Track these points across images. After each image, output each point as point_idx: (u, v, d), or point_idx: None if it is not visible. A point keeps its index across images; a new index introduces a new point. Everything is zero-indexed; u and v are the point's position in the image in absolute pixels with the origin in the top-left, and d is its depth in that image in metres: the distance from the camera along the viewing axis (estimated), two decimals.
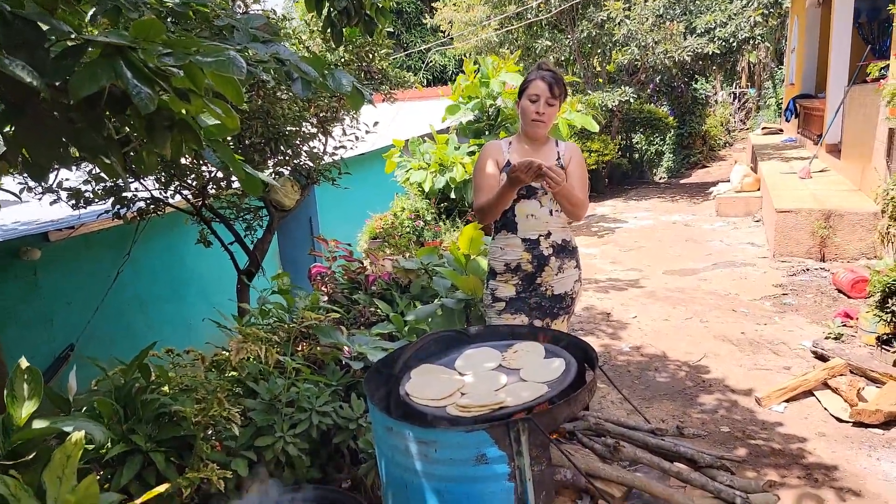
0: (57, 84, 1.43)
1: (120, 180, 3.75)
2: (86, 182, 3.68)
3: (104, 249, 5.04)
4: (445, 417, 1.65)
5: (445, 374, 1.93)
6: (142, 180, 3.91)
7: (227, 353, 2.67)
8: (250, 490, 2.13)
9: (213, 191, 4.25)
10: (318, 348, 2.78)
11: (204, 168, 4.01)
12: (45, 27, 1.40)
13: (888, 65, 5.10)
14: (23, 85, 1.25)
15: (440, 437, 1.56)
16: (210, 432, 2.27)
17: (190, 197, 4.20)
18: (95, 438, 1.76)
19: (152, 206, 4.12)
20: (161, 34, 1.43)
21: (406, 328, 3.16)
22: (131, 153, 2.05)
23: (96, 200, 3.78)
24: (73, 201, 3.67)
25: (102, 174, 3.69)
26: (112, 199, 3.80)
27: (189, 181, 4.04)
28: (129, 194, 3.90)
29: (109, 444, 2.00)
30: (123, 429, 2.13)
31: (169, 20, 2.40)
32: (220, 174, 4.07)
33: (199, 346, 2.70)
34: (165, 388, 2.39)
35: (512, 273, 2.49)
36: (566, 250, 2.53)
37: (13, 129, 1.46)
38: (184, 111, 1.66)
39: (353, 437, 2.50)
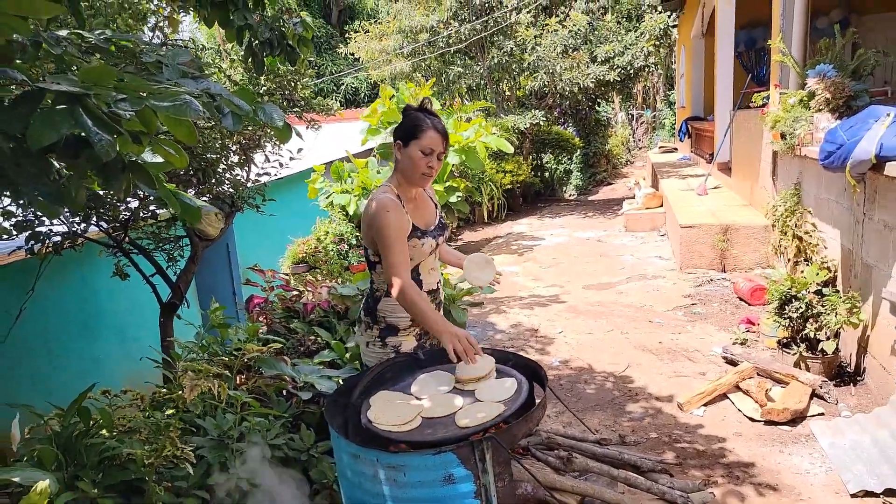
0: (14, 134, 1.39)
1: (30, 213, 3.53)
2: None
3: (5, 285, 4.67)
4: (413, 441, 1.70)
5: (402, 399, 1.97)
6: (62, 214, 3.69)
7: (164, 391, 2.59)
8: None
9: (132, 222, 4.07)
10: (261, 380, 2.74)
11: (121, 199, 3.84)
12: None
13: (769, 94, 5.69)
14: None
15: (409, 461, 1.61)
16: (158, 473, 2.19)
17: (109, 230, 4.00)
18: (48, 488, 1.67)
19: (68, 241, 3.89)
20: (112, 79, 1.43)
21: (347, 355, 3.17)
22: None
23: (4, 237, 3.52)
24: None
25: (9, 208, 3.45)
26: (27, 234, 3.56)
27: (107, 213, 3.85)
28: (44, 229, 3.67)
29: None
30: (66, 476, 2.03)
31: (95, 56, 2.33)
32: (136, 204, 3.91)
33: (110, 384, 2.59)
34: (104, 432, 2.28)
35: (416, 325, 2.33)
36: None
37: None
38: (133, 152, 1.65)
39: (303, 468, 2.48)
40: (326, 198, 7.79)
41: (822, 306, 3.65)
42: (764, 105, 5.68)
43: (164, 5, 4.10)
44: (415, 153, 2.18)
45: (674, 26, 10.72)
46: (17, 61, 1.43)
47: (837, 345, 3.67)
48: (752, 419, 3.42)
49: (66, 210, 3.20)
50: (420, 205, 2.35)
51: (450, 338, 1.97)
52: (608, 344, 4.77)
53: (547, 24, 10.61)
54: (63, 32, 1.90)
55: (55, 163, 1.69)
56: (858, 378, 3.71)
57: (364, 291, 3.50)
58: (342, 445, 1.76)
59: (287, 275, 3.72)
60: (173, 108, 1.46)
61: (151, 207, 3.93)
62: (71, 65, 1.84)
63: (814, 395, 3.52)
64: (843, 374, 3.79)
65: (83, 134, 1.35)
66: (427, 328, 2.09)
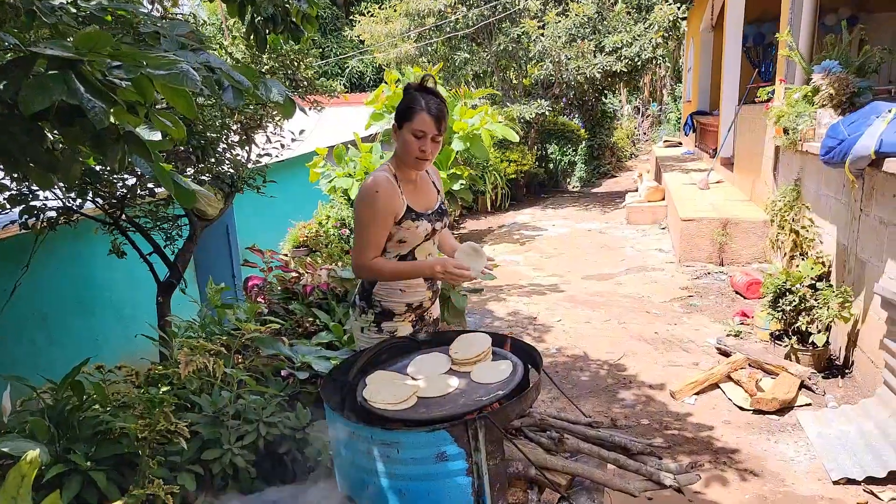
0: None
1: (24, 187, 3.54)
2: None
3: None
4: (407, 419, 1.73)
5: (399, 379, 2.00)
6: (55, 186, 3.70)
7: (160, 368, 2.62)
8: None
9: (129, 199, 4.08)
10: (259, 360, 2.77)
11: (118, 175, 3.85)
12: None
13: (774, 89, 5.68)
14: None
15: (403, 439, 1.64)
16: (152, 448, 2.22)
17: (106, 206, 4.01)
18: (39, 458, 1.70)
19: (63, 216, 3.90)
20: (108, 45, 1.42)
21: (345, 336, 3.20)
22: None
23: None
24: None
25: (2, 182, 3.45)
26: (21, 208, 3.57)
27: (103, 189, 3.86)
28: (38, 203, 3.67)
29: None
30: (58, 449, 2.06)
31: (92, 26, 2.32)
32: (133, 181, 3.91)
33: (108, 361, 2.61)
34: (98, 406, 2.31)
35: (411, 311, 2.35)
36: None
37: None
38: (130, 124, 1.65)
39: (298, 446, 2.51)
40: (329, 182, 7.79)
41: (815, 300, 3.67)
42: (769, 100, 5.67)
43: None
44: (407, 136, 2.13)
45: (683, 18, 10.64)
46: (13, 29, 1.43)
47: (828, 338, 3.70)
48: (741, 408, 3.47)
49: (61, 184, 3.21)
50: (420, 187, 2.30)
51: (439, 270, 2.12)
52: (605, 333, 4.80)
53: (547, 17, 10.53)
54: (57, 2, 1.90)
55: (49, 134, 1.69)
56: (847, 371, 3.75)
57: None
58: (337, 422, 1.79)
59: (286, 255, 3.75)
60: (170, 76, 1.44)
61: (149, 185, 3.93)
62: (66, 35, 1.84)
63: (802, 386, 3.56)
64: (832, 367, 3.83)
65: (77, 103, 1.34)
66: (413, 277, 2.23)
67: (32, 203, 3.63)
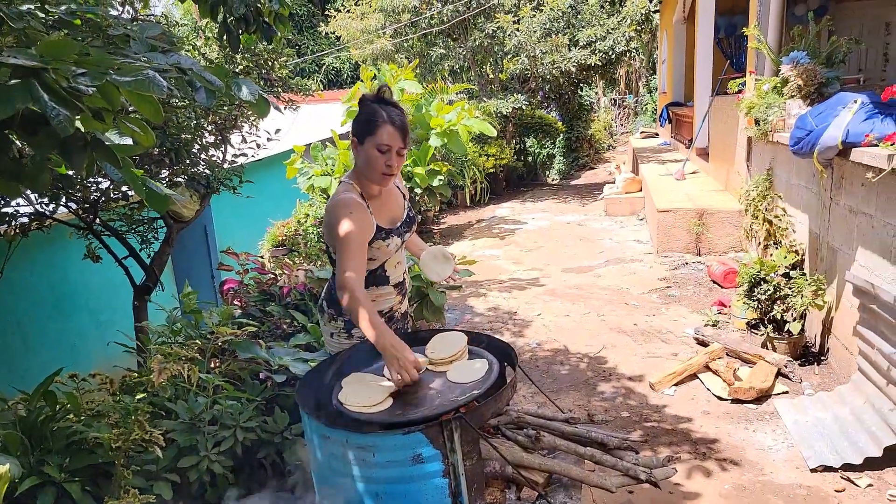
0: None
1: None
2: None
3: None
4: (382, 422, 1.72)
5: (375, 380, 1.99)
6: (24, 193, 3.63)
7: (135, 375, 2.59)
8: None
9: (103, 203, 4.02)
10: (235, 363, 2.75)
11: (91, 179, 3.79)
12: None
13: (745, 80, 5.74)
14: None
15: (378, 442, 1.64)
16: (127, 457, 2.20)
17: (79, 211, 3.94)
18: (10, 472, 1.67)
19: (35, 222, 3.83)
20: (73, 53, 1.40)
21: (322, 338, 3.18)
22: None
23: None
24: None
25: None
26: None
27: (76, 194, 3.80)
28: (10, 210, 3.60)
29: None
30: (31, 461, 2.02)
31: (61, 31, 2.27)
32: (107, 184, 3.86)
33: (85, 367, 2.57)
34: (71, 416, 2.28)
35: (381, 317, 2.18)
36: None
37: None
38: (98, 130, 1.62)
39: (277, 450, 2.50)
40: (307, 180, 7.73)
41: (790, 289, 3.73)
42: (740, 91, 5.73)
43: None
44: (371, 151, 2.01)
45: (655, 12, 10.73)
46: None
47: (803, 326, 3.76)
48: (719, 398, 3.51)
49: (30, 190, 3.15)
50: (386, 200, 2.20)
51: (392, 361, 1.79)
52: (584, 326, 4.83)
53: (521, 12, 10.57)
54: (25, 7, 1.86)
55: (17, 141, 1.66)
56: (822, 358, 3.82)
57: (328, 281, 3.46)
58: (312, 426, 1.78)
59: (261, 258, 3.71)
60: (135, 83, 1.43)
61: (122, 189, 3.87)
62: (35, 40, 1.80)
63: (779, 374, 3.61)
64: (808, 354, 3.89)
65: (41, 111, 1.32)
66: (373, 342, 1.85)
67: (4, 209, 3.56)
